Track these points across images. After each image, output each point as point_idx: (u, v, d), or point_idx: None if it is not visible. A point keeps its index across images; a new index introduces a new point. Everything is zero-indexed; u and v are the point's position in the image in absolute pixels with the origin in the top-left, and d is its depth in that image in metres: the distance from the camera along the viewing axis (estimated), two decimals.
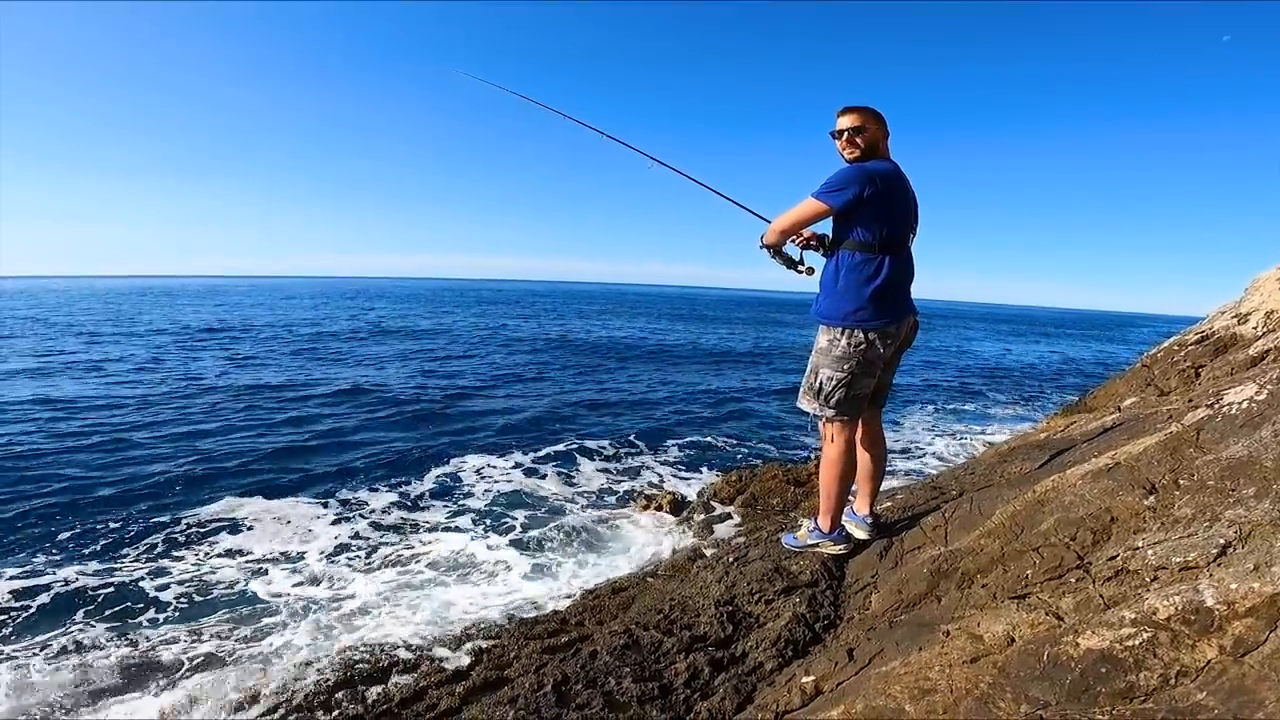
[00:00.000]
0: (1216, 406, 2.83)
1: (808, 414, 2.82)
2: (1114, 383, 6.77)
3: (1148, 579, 1.81)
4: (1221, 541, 1.81)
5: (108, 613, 4.49)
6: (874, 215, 2.55)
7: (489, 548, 5.60)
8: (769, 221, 2.84)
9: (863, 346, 2.64)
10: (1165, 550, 1.89)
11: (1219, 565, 1.73)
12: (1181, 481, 2.30)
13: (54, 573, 4.97)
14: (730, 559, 3.25)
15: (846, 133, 2.63)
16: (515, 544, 5.66)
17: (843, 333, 2.66)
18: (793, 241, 2.85)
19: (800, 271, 2.85)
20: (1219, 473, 2.24)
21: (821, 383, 2.72)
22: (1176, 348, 6.49)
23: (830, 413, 2.73)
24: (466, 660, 2.77)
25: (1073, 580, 1.99)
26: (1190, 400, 3.53)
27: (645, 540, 5.19)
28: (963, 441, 10.17)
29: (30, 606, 4.48)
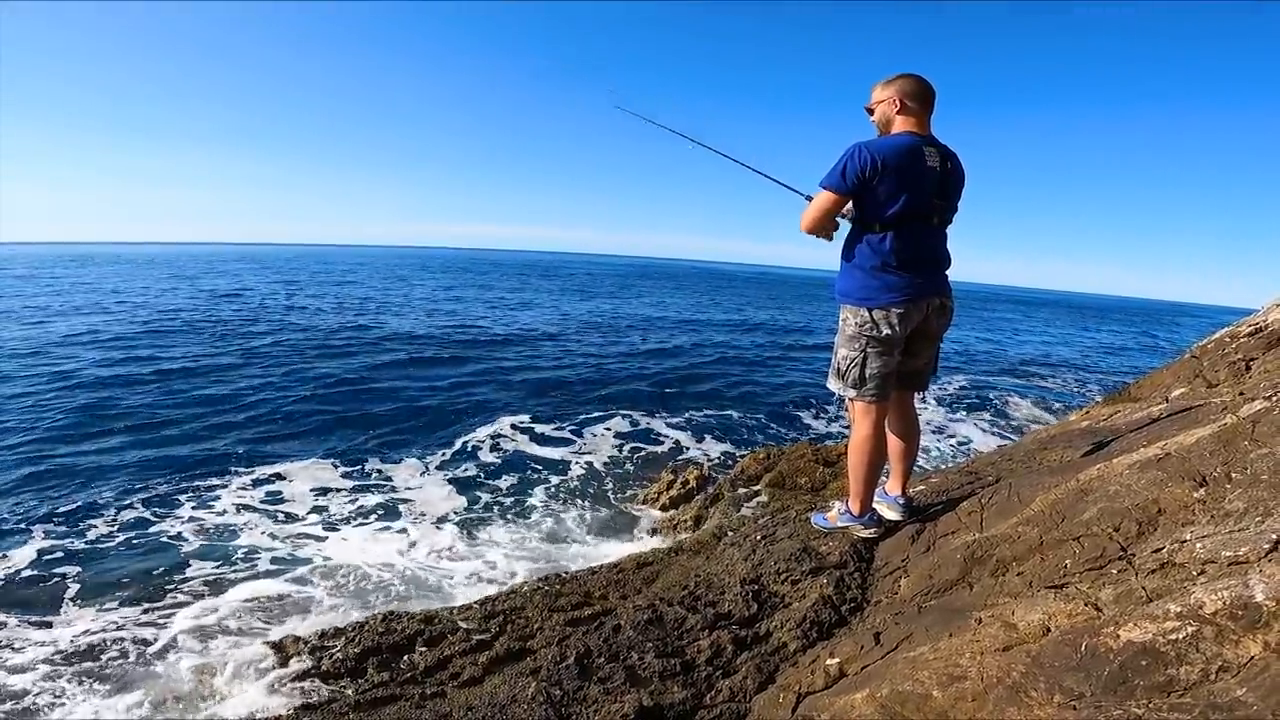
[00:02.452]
0: (1275, 399, 2.70)
1: (834, 393, 2.81)
2: (1160, 372, 6.54)
3: (1194, 572, 1.74)
4: (1274, 537, 1.73)
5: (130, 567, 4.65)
6: (875, 193, 2.47)
7: (512, 517, 5.67)
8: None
9: (868, 326, 2.58)
10: (1214, 544, 1.81)
11: (1270, 561, 1.65)
12: (1234, 475, 2.20)
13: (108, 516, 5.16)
14: (758, 537, 3.22)
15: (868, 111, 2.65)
16: (539, 514, 5.72)
17: (852, 311, 2.63)
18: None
19: None
20: (1273, 467, 2.14)
21: (840, 362, 2.70)
22: (1228, 339, 6.23)
23: (851, 392, 2.70)
24: (490, 630, 2.79)
25: (1114, 571, 1.93)
26: (1243, 393, 3.39)
27: (670, 515, 5.19)
28: (999, 427, 9.99)
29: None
